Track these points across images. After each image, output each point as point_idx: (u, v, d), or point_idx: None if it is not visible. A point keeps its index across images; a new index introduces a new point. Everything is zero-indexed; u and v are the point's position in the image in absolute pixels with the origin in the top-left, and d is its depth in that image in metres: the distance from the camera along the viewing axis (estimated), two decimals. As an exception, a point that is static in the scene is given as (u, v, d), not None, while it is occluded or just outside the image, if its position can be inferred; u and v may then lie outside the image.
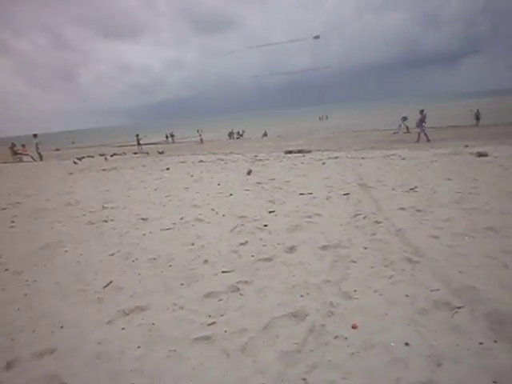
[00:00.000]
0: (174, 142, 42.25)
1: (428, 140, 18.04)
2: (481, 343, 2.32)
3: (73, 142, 62.75)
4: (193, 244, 4.62)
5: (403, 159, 10.16)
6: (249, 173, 9.79)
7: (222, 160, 13.84)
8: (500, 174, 7.19)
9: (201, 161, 14.04)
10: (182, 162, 14.14)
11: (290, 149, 16.12)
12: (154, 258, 4.24)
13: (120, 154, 22.99)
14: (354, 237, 4.35)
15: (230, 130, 43.53)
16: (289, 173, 9.43)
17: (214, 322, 2.83)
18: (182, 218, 5.82)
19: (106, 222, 6.03)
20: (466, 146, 12.70)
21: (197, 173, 10.84)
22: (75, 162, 17.43)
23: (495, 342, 2.34)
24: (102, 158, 20.01)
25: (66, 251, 4.73)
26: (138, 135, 33.62)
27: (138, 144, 32.51)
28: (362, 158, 10.95)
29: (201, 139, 35.94)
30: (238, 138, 42.19)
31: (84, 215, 6.54)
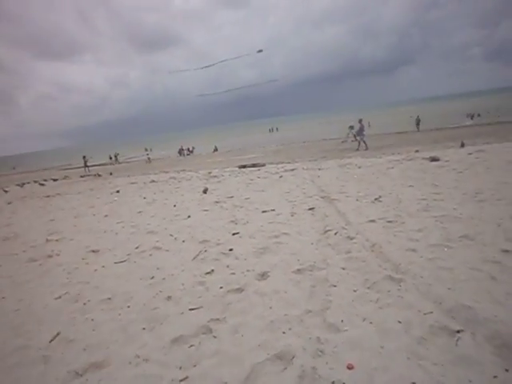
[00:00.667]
0: (118, 162, 40.80)
1: (366, 148, 18.64)
2: (495, 376, 2.07)
3: (14, 168, 58.74)
4: (152, 277, 4.12)
5: (359, 168, 10.20)
6: (205, 191, 9.38)
7: (174, 179, 13.32)
8: (456, 178, 7.29)
9: (152, 181, 13.44)
10: (133, 183, 13.49)
11: (244, 163, 15.93)
12: (109, 298, 3.71)
13: (64, 178, 21.67)
14: (328, 256, 4.06)
15: (180, 147, 42.69)
16: (247, 189, 9.12)
17: (186, 377, 2.39)
18: (137, 248, 5.29)
19: (51, 257, 5.38)
20: (417, 151, 13.05)
21: (149, 194, 10.27)
22: (5, 191, 16.18)
23: (507, 371, 2.11)
24: (44, 183, 18.69)
25: (3, 298, 4.07)
26: (84, 157, 32.29)
27: (86, 166, 31.19)
28: (319, 169, 10.90)
29: (148, 158, 34.93)
30: (188, 154, 41.44)
31: (24, 251, 5.82)
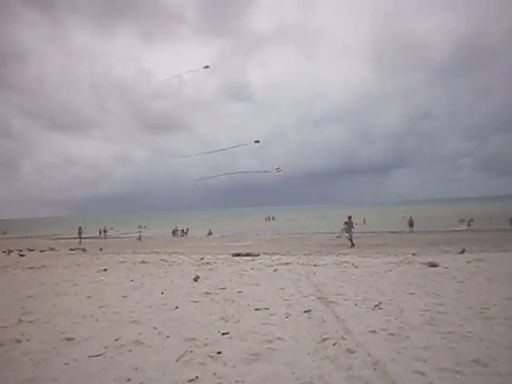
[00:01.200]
0: (106, 237, 40.52)
1: (352, 245, 18.92)
2: None
3: (5, 232, 57.49)
4: (128, 380, 3.65)
5: (356, 268, 9.95)
6: (196, 279, 8.98)
7: (165, 261, 12.90)
8: (458, 288, 7.06)
9: (143, 261, 12.98)
10: (122, 262, 13.01)
11: (238, 251, 15.72)
12: (76, 404, 3.24)
13: (52, 250, 21.03)
14: (326, 372, 3.64)
15: (174, 228, 42.57)
16: (240, 281, 8.73)
17: None
18: (116, 340, 4.80)
19: (20, 342, 4.85)
20: (414, 254, 12.89)
21: (138, 276, 9.82)
22: None
23: None
24: (24, 254, 17.79)
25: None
26: (80, 228, 32.76)
27: (80, 237, 31.30)
28: (315, 266, 10.61)
29: (139, 236, 34.64)
30: (182, 235, 41.27)
31: (-9, 333, 5.31)
